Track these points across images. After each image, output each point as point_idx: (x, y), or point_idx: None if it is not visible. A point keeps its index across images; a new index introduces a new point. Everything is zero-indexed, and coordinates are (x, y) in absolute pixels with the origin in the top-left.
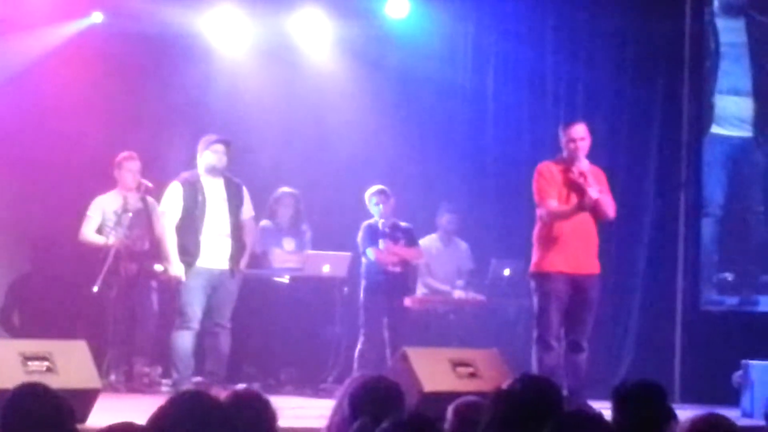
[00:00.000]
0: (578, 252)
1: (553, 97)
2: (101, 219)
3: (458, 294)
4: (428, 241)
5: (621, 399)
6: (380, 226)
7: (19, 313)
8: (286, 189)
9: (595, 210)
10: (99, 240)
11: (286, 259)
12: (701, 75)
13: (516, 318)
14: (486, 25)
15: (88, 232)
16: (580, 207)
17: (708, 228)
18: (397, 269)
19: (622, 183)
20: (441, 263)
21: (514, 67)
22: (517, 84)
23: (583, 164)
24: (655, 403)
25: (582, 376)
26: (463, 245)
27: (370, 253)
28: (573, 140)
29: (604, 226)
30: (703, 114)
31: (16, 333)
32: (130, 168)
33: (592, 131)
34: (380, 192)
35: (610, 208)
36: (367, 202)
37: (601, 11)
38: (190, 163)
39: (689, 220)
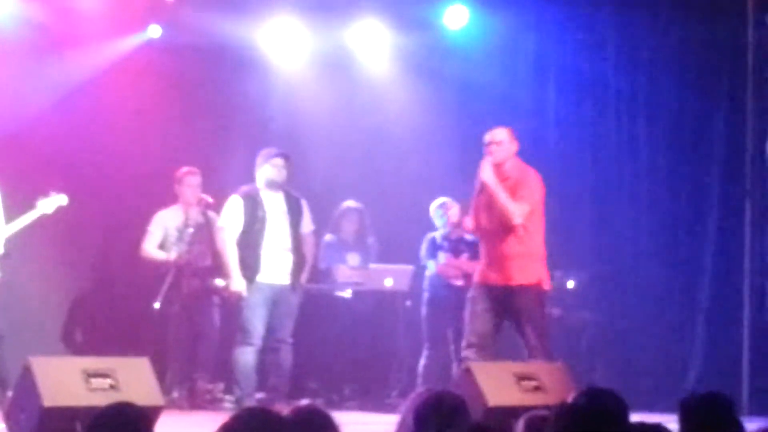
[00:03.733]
0: (485, 263)
1: (614, 108)
2: (163, 234)
3: None
4: None
5: (688, 411)
6: (438, 239)
7: (80, 330)
8: (351, 203)
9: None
10: (160, 256)
11: (351, 275)
12: (765, 83)
13: (581, 330)
14: (546, 34)
15: (149, 247)
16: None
17: None
18: (459, 283)
19: (687, 192)
20: None
21: (574, 77)
22: (578, 94)
23: (483, 171)
24: (722, 415)
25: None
26: None
27: (431, 265)
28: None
29: (669, 235)
30: None
31: (78, 350)
32: (191, 183)
33: (653, 141)
34: (445, 204)
35: (512, 215)
36: (432, 214)
37: (662, 20)
38: (249, 176)
39: (755, 229)
